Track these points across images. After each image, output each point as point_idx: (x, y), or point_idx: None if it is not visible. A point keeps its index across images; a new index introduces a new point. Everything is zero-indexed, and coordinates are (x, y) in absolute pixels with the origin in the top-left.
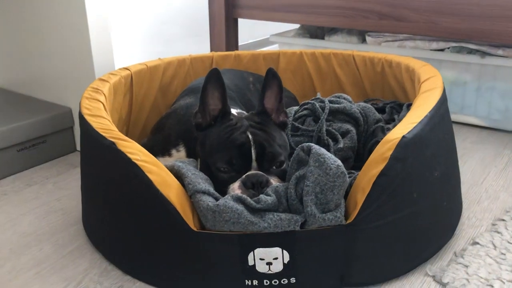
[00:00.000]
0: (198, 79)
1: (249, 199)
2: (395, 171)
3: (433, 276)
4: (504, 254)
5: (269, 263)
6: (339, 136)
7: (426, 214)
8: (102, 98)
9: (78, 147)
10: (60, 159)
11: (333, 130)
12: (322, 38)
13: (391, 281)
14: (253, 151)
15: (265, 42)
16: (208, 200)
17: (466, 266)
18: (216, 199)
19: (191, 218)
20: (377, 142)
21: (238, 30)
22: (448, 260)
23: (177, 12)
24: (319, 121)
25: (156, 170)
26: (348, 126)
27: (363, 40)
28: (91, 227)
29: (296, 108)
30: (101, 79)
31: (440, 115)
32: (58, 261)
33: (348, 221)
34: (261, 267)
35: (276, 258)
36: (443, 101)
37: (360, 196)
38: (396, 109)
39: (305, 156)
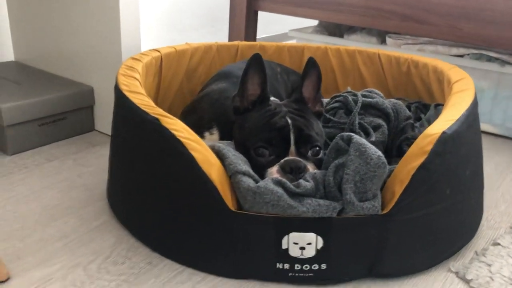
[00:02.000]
0: (228, 66)
1: (288, 183)
2: (434, 166)
3: (456, 273)
4: None
5: (302, 248)
6: (371, 129)
7: (455, 211)
8: (137, 76)
9: (97, 127)
10: (79, 137)
11: (365, 124)
12: (341, 37)
13: (416, 275)
14: (291, 135)
15: (281, 37)
16: (249, 181)
17: (489, 265)
18: (256, 181)
19: (229, 198)
20: (407, 139)
21: (257, 23)
22: (470, 259)
23: (194, 1)
24: (352, 114)
25: (200, 148)
26: (379, 121)
27: (383, 41)
28: (118, 204)
29: (327, 100)
30: (133, 58)
31: (474, 115)
32: (85, 234)
33: (384, 211)
34: (294, 251)
35: (309, 244)
36: (476, 102)
37: (398, 187)
38: (420, 109)
39: (345, 145)
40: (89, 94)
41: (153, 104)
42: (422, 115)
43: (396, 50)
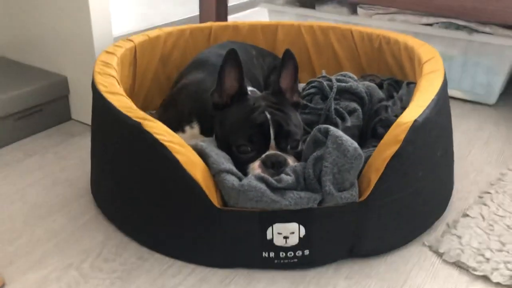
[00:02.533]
0: (203, 52)
1: (271, 179)
2: (407, 153)
3: (430, 246)
4: (492, 226)
5: (285, 237)
6: (346, 115)
7: (428, 190)
8: (114, 73)
9: (74, 116)
10: (57, 128)
11: (341, 109)
12: (312, 8)
13: (393, 252)
14: (271, 130)
15: (253, 3)
16: (232, 180)
17: (459, 237)
18: (239, 178)
19: (214, 195)
20: (380, 120)
21: None
22: (442, 232)
23: None
24: (328, 100)
25: (183, 150)
26: (354, 105)
27: (354, 12)
28: (103, 199)
29: (303, 85)
30: (107, 52)
31: (443, 98)
32: (74, 232)
33: (361, 199)
34: (278, 241)
35: (292, 233)
36: (445, 83)
37: (374, 175)
38: (393, 86)
39: (322, 137)
40: (63, 84)
41: (133, 105)
42: (395, 93)
43: (367, 20)
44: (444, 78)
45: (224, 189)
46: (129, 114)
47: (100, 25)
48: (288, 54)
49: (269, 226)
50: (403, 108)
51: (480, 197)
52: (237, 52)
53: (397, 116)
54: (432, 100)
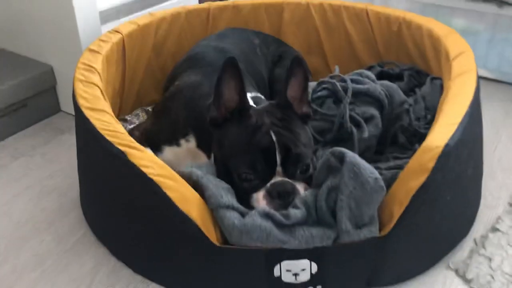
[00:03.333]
0: (200, 45)
1: (277, 215)
2: (435, 183)
3: (456, 270)
4: None
5: (295, 274)
6: (363, 122)
7: (455, 211)
8: (96, 79)
9: (63, 108)
10: (44, 122)
11: (357, 116)
12: None
13: (415, 278)
14: (278, 154)
15: None
16: (234, 217)
17: (489, 259)
18: (241, 213)
19: (213, 232)
20: (402, 127)
21: None
22: (469, 251)
23: None
24: (342, 105)
25: (175, 185)
26: (372, 111)
27: None
28: (93, 220)
29: (313, 85)
30: (91, 50)
31: (477, 106)
32: (61, 256)
33: (382, 234)
34: (287, 278)
35: (303, 269)
36: (478, 87)
37: (397, 208)
38: (414, 77)
39: (337, 162)
40: (49, 74)
41: (117, 126)
42: (417, 90)
43: None
44: (477, 81)
45: (224, 227)
46: (112, 140)
47: (84, 2)
48: (296, 61)
49: (276, 264)
50: (427, 109)
51: (511, 205)
52: (237, 61)
53: (419, 119)
54: (465, 114)
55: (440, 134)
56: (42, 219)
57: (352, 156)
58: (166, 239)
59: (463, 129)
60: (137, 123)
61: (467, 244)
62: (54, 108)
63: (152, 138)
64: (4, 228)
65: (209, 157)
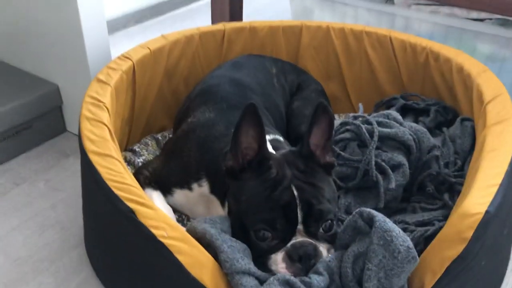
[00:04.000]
0: (214, 75)
1: (298, 283)
2: (474, 252)
3: None
4: None
5: None
6: (389, 171)
7: (489, 274)
8: (105, 117)
9: (68, 128)
10: (49, 143)
11: (383, 164)
12: None
13: None
14: (299, 211)
15: None
16: (250, 285)
17: None
18: (258, 278)
19: None
20: (430, 175)
21: None
22: None
23: None
24: (367, 152)
25: (187, 249)
26: (400, 158)
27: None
28: (97, 265)
29: (336, 123)
30: (99, 81)
31: None
32: None
33: None
34: None
35: None
36: None
37: (429, 278)
38: (441, 113)
39: (365, 225)
40: (54, 94)
41: (126, 176)
42: (445, 129)
43: (404, 11)
44: None
45: None
46: (120, 194)
47: (91, 14)
48: (321, 107)
49: None
50: (456, 153)
51: None
52: (257, 108)
53: (448, 164)
54: (506, 174)
55: (479, 198)
56: (42, 257)
57: (382, 220)
58: None
59: (504, 192)
60: (146, 154)
61: None
62: (60, 129)
63: (162, 180)
64: (2, 266)
65: (223, 203)
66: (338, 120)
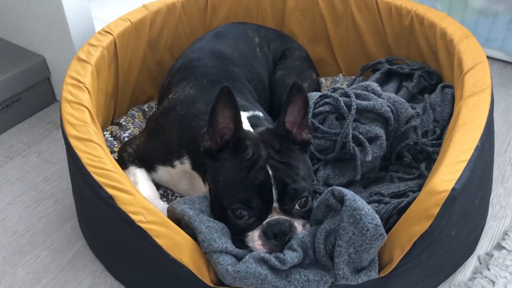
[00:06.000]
0: (195, 48)
1: (273, 259)
2: (440, 228)
3: None
4: None
5: None
6: (367, 144)
7: (460, 242)
8: (86, 98)
9: (58, 97)
10: (39, 115)
11: (360, 136)
12: None
13: None
14: (274, 190)
15: None
16: (227, 263)
17: (492, 283)
18: (236, 256)
19: (207, 274)
20: (408, 145)
21: None
22: (472, 271)
23: None
24: (345, 125)
25: (165, 232)
26: (377, 130)
27: None
28: (90, 238)
29: (315, 96)
30: (80, 59)
31: (489, 134)
32: (58, 275)
33: (381, 274)
34: None
35: None
36: (491, 110)
37: (397, 252)
38: (424, 77)
39: (336, 203)
40: (41, 66)
41: (105, 160)
42: (427, 96)
43: None
44: (491, 104)
45: (218, 272)
46: (100, 180)
47: None
48: (296, 87)
49: None
50: (436, 121)
51: None
52: (231, 90)
53: (427, 132)
54: (475, 149)
55: (447, 175)
56: (38, 230)
57: (352, 199)
58: (160, 276)
59: (472, 167)
60: (132, 128)
61: (471, 262)
62: (49, 99)
63: (146, 157)
64: (1, 238)
65: (204, 179)
66: (324, 83)
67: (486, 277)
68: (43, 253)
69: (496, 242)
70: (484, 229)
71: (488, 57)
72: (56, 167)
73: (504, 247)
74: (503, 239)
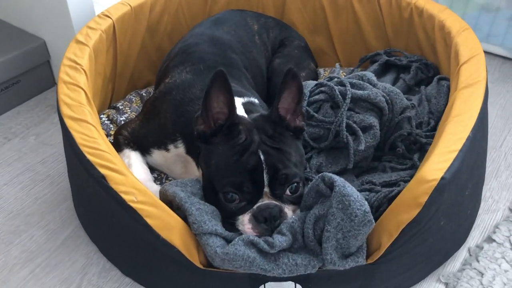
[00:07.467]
0: (194, 34)
1: (262, 243)
2: (428, 216)
3: (446, 284)
4: None
5: None
6: (360, 133)
7: (450, 232)
8: (82, 80)
9: (57, 80)
10: (39, 98)
11: (354, 125)
12: None
13: None
14: (265, 175)
15: None
16: (216, 245)
17: (481, 274)
18: (225, 238)
19: (196, 256)
20: (401, 135)
21: None
22: (462, 263)
23: None
24: (339, 113)
25: (156, 212)
26: (371, 120)
27: None
28: (83, 219)
29: (311, 84)
30: (78, 42)
31: (482, 126)
32: (52, 255)
33: (369, 261)
34: None
35: None
36: (485, 102)
37: (385, 239)
38: (422, 70)
39: (326, 189)
40: (41, 49)
41: (99, 140)
42: (423, 87)
43: None
44: (485, 94)
45: (208, 254)
46: (93, 160)
47: None
48: (291, 74)
49: (260, 285)
50: (431, 113)
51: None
52: (226, 74)
53: (421, 124)
54: (466, 140)
55: (437, 164)
56: (33, 211)
57: (342, 185)
58: (151, 257)
59: (463, 157)
60: (128, 112)
61: (461, 253)
62: (49, 83)
63: (141, 140)
64: None
65: (198, 163)
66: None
67: (475, 268)
68: (37, 233)
69: (487, 235)
70: (476, 222)
71: (488, 53)
72: (53, 150)
73: (494, 240)
74: (494, 232)
